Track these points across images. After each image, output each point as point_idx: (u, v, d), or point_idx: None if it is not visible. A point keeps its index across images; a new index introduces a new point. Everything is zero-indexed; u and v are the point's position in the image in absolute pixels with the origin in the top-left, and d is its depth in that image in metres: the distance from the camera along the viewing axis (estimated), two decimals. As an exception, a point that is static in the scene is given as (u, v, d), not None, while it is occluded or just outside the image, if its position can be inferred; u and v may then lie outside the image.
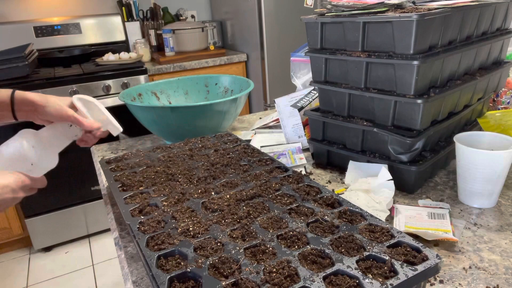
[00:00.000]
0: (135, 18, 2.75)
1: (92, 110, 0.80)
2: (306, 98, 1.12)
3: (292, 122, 1.12)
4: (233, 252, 0.55)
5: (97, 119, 0.80)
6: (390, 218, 0.74)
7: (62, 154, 0.78)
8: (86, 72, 2.23)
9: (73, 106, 0.78)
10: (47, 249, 2.41)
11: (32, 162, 0.74)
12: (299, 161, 1.01)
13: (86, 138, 0.80)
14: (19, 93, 0.76)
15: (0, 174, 0.68)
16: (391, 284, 0.48)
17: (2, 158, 0.72)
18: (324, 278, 0.49)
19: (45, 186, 0.75)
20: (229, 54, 2.66)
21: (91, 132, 0.79)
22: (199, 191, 0.74)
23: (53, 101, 0.76)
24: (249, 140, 1.18)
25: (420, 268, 0.50)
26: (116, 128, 0.82)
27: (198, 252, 0.56)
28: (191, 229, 0.61)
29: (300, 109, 1.09)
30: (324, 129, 0.97)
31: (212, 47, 2.72)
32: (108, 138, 1.36)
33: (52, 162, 0.77)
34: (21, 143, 0.73)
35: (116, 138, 1.30)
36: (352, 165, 0.90)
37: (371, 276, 0.49)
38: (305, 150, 1.09)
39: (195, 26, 2.66)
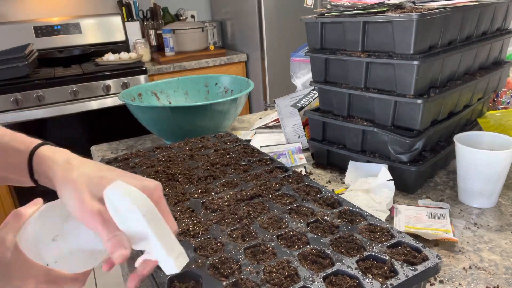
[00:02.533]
0: (135, 18, 2.75)
1: (128, 217, 0.43)
2: (306, 98, 1.12)
3: (292, 122, 1.12)
4: (233, 252, 0.55)
5: (132, 232, 0.44)
6: (390, 218, 0.74)
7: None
8: (86, 72, 2.23)
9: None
10: (47, 249, 2.41)
11: (48, 262, 0.46)
12: (299, 161, 1.01)
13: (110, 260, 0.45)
14: (42, 154, 0.48)
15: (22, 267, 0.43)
16: (391, 284, 0.48)
17: (23, 236, 0.45)
18: (324, 278, 0.49)
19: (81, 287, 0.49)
20: (229, 54, 2.66)
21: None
22: (199, 191, 0.74)
23: (73, 179, 0.44)
24: (249, 140, 1.18)
25: (420, 268, 0.50)
26: (171, 265, 0.43)
27: (198, 252, 0.56)
28: (191, 229, 0.61)
29: (300, 109, 1.09)
30: (324, 129, 0.97)
31: (212, 47, 2.72)
32: (108, 138, 1.36)
33: (87, 265, 0.48)
34: (35, 227, 0.46)
35: (116, 138, 1.30)
36: (352, 165, 0.90)
37: (371, 276, 0.49)
38: (305, 150, 1.09)
39: (195, 26, 2.66)
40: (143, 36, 2.82)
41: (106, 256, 0.47)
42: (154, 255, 0.43)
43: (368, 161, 0.88)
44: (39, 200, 0.49)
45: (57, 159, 0.46)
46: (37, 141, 0.49)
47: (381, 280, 0.49)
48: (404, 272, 0.49)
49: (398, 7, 0.83)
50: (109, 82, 2.24)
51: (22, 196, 2.22)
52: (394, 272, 0.50)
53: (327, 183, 0.91)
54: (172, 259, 0.42)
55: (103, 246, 0.42)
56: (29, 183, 0.50)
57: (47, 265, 0.45)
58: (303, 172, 0.95)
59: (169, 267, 0.43)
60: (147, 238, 0.42)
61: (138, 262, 0.45)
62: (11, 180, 0.51)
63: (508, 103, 1.11)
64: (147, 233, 0.42)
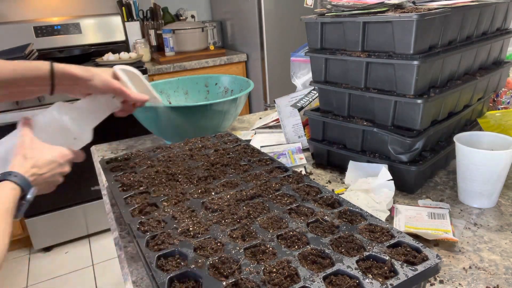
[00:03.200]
0: (135, 18, 2.75)
1: (133, 80, 0.79)
2: (306, 98, 1.12)
3: (292, 122, 1.12)
4: (233, 252, 0.55)
5: (139, 90, 0.80)
6: (390, 218, 0.74)
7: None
8: (86, 72, 2.22)
9: (115, 77, 0.77)
10: (47, 249, 2.41)
11: (75, 136, 0.72)
12: (299, 161, 1.01)
13: (125, 108, 0.80)
14: (58, 67, 0.72)
15: (44, 149, 0.67)
16: (391, 284, 0.48)
17: (42, 131, 0.70)
18: (324, 278, 0.49)
19: (84, 159, 0.75)
20: (229, 54, 2.66)
21: (129, 103, 0.79)
22: (199, 191, 0.74)
23: (98, 73, 0.74)
24: (249, 140, 1.18)
25: (420, 268, 0.50)
26: (157, 99, 0.83)
27: (198, 252, 0.56)
28: (191, 229, 0.61)
29: (300, 109, 1.09)
30: (324, 129, 0.97)
31: (212, 47, 2.72)
32: (108, 138, 1.36)
33: (91, 135, 0.76)
34: (60, 116, 0.71)
35: (116, 138, 1.30)
36: (352, 165, 0.90)
37: (371, 276, 0.49)
38: (305, 150, 1.09)
39: (195, 26, 2.66)
40: (143, 36, 2.82)
41: (115, 109, 0.80)
42: (152, 99, 0.84)
43: (368, 161, 0.88)
44: (28, 115, 0.72)
45: (75, 69, 0.72)
46: (46, 61, 0.72)
47: (381, 280, 0.49)
48: (404, 272, 0.49)
49: (398, 7, 0.83)
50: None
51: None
52: (394, 272, 0.50)
53: (327, 183, 0.91)
54: (160, 98, 0.87)
55: (131, 97, 0.77)
56: (46, 92, 0.72)
57: (75, 138, 0.73)
58: (303, 172, 0.95)
59: (158, 102, 0.87)
60: (147, 91, 0.83)
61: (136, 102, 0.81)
62: (31, 92, 0.73)
63: (508, 103, 1.11)
64: (146, 86, 0.83)
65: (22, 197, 0.61)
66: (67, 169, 0.70)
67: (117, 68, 0.77)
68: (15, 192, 0.59)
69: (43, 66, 0.71)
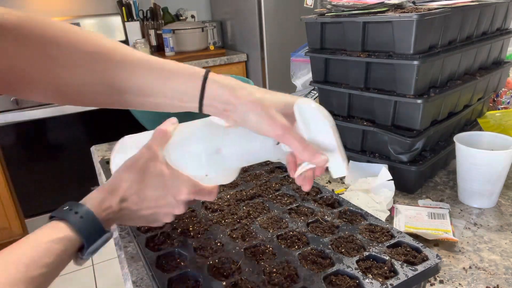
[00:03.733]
0: (135, 18, 2.75)
1: (318, 132, 0.48)
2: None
3: (292, 122, 1.12)
4: (233, 252, 0.55)
5: (320, 143, 0.48)
6: (390, 218, 0.74)
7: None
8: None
9: (288, 114, 0.48)
10: (47, 249, 2.41)
11: (208, 173, 0.52)
12: (299, 161, 1.01)
13: (302, 179, 0.51)
14: (214, 80, 0.49)
15: (158, 178, 0.49)
16: (391, 284, 0.48)
17: (177, 148, 0.52)
18: (324, 278, 0.49)
19: (213, 199, 0.55)
20: (229, 54, 2.66)
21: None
22: (199, 191, 0.74)
23: (260, 99, 0.47)
24: (249, 140, 1.17)
25: (420, 268, 0.50)
26: (342, 169, 0.49)
27: (198, 252, 0.56)
28: (191, 229, 0.61)
29: (300, 109, 1.09)
30: (324, 129, 0.97)
31: (212, 47, 2.72)
32: (108, 138, 1.35)
33: (230, 177, 0.56)
34: (203, 141, 0.52)
35: (116, 138, 1.30)
36: (352, 165, 0.90)
37: (371, 276, 0.49)
38: (305, 150, 1.08)
39: (195, 26, 2.66)
40: (143, 36, 2.82)
41: (274, 160, 0.54)
42: (332, 164, 0.49)
43: (368, 161, 0.88)
44: (174, 119, 0.54)
45: (232, 84, 0.49)
46: (201, 69, 0.51)
47: (381, 280, 0.49)
48: (404, 272, 0.49)
49: (398, 7, 0.83)
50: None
51: (22, 196, 2.22)
52: (394, 272, 0.50)
53: (327, 183, 0.91)
54: (344, 164, 0.49)
55: (299, 155, 0.47)
56: (192, 109, 0.51)
57: (206, 175, 0.52)
58: (303, 172, 0.95)
59: (339, 171, 0.49)
60: (330, 148, 0.48)
61: (302, 169, 0.50)
62: (173, 106, 0.52)
63: (508, 103, 1.11)
64: (332, 144, 0.48)
65: (81, 247, 0.44)
66: (179, 211, 0.51)
67: (299, 104, 0.48)
68: (65, 243, 0.42)
69: (195, 76, 0.50)
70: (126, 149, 0.55)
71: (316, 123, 0.47)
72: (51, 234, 0.43)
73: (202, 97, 0.49)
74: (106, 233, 0.45)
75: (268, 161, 0.86)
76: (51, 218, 0.45)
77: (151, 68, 0.50)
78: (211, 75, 0.50)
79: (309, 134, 0.48)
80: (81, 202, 0.46)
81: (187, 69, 0.50)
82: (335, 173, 0.50)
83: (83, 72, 0.48)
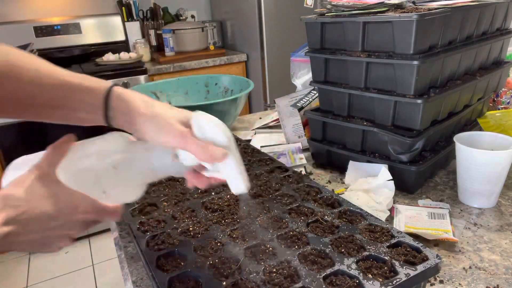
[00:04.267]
0: (135, 18, 2.75)
1: (213, 139, 0.50)
2: (306, 98, 1.12)
3: (292, 122, 1.12)
4: (233, 252, 0.55)
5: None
6: (390, 218, 0.74)
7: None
8: (86, 72, 2.23)
9: (187, 126, 0.50)
10: (47, 249, 2.41)
11: (104, 188, 0.50)
12: (299, 161, 1.01)
13: (195, 178, 0.53)
14: (117, 93, 0.51)
15: (49, 196, 0.44)
16: (391, 284, 0.48)
17: (73, 164, 0.49)
18: (324, 278, 0.49)
19: (117, 220, 0.53)
20: (229, 54, 2.66)
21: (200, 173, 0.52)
22: (199, 191, 0.74)
23: (159, 111, 0.50)
24: (249, 140, 1.18)
25: (420, 268, 0.50)
26: (240, 185, 0.50)
27: (198, 252, 0.56)
28: (191, 229, 0.61)
29: (300, 109, 1.09)
30: (324, 129, 0.97)
31: (212, 47, 2.72)
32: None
33: (133, 195, 0.54)
34: (99, 157, 0.50)
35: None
36: (352, 165, 0.90)
37: (371, 276, 0.49)
38: (305, 150, 1.09)
39: (195, 26, 2.66)
40: (143, 36, 2.82)
41: (175, 174, 0.54)
42: (227, 174, 0.49)
43: (368, 161, 0.88)
44: (71, 136, 0.52)
45: (133, 97, 0.51)
46: (107, 82, 0.52)
47: (381, 280, 0.49)
48: (404, 272, 0.49)
49: (398, 7, 0.83)
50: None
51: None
52: (394, 272, 0.50)
53: (327, 183, 0.91)
54: (242, 180, 0.50)
55: (196, 156, 0.48)
56: (100, 122, 0.52)
57: (104, 193, 0.49)
58: (303, 172, 0.95)
59: (238, 186, 0.50)
60: (231, 170, 0.49)
61: (206, 174, 0.51)
62: (82, 119, 0.53)
63: (508, 103, 1.11)
64: (229, 153, 0.49)
65: None
66: (76, 232, 0.48)
67: (198, 116, 0.51)
68: None
69: (99, 89, 0.51)
70: (18, 167, 0.49)
71: (213, 135, 0.49)
72: None
73: (106, 108, 0.50)
74: None
75: (268, 161, 0.86)
76: None
77: (60, 81, 0.50)
78: (116, 88, 0.52)
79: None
80: None
81: (93, 82, 0.51)
82: (233, 189, 0.50)
83: None
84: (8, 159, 2.12)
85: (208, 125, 0.50)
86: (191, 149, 0.48)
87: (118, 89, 0.52)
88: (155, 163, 0.52)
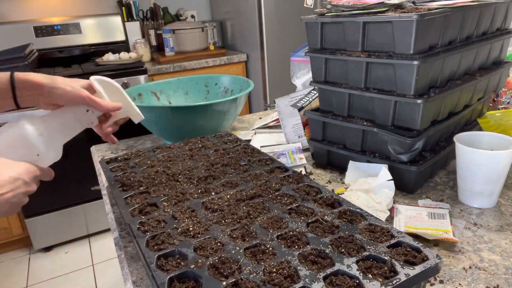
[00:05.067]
0: (135, 18, 2.75)
1: (112, 95, 0.72)
2: (306, 98, 1.12)
3: (292, 122, 1.12)
4: (233, 252, 0.55)
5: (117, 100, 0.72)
6: (390, 218, 0.74)
7: (62, 154, 0.71)
8: (86, 72, 2.23)
9: (88, 88, 0.70)
10: (47, 249, 2.41)
11: (39, 152, 0.64)
12: (299, 161, 1.01)
13: (106, 127, 0.72)
14: (19, 76, 0.66)
15: (6, 164, 0.58)
16: (391, 284, 0.48)
17: (1, 145, 0.63)
18: (324, 278, 0.49)
19: (52, 178, 0.67)
20: (229, 54, 2.66)
21: (108, 117, 0.71)
22: (199, 191, 0.74)
23: (62, 81, 0.66)
24: (249, 140, 1.18)
25: (420, 268, 0.50)
26: (138, 114, 0.75)
27: (198, 252, 0.56)
28: (191, 229, 0.61)
29: (300, 109, 1.09)
30: (324, 129, 0.97)
31: (212, 47, 2.72)
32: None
33: (59, 153, 0.68)
34: (25, 128, 0.63)
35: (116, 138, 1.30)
36: (352, 165, 0.90)
37: (371, 276, 0.49)
38: (305, 150, 1.09)
39: (195, 26, 2.66)
40: (143, 36, 2.82)
41: (89, 125, 0.72)
42: (128, 113, 0.75)
43: (368, 161, 0.88)
44: None
45: (36, 76, 0.66)
46: (7, 72, 0.67)
47: (381, 280, 0.49)
48: (404, 272, 0.49)
49: (398, 7, 0.83)
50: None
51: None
52: (394, 272, 0.50)
53: (327, 183, 0.91)
54: (139, 112, 0.76)
55: (100, 108, 0.69)
56: (11, 105, 0.68)
57: (38, 155, 0.64)
58: (303, 172, 0.95)
59: (138, 117, 0.77)
60: (128, 105, 0.74)
61: (114, 119, 0.75)
62: None
63: (508, 103, 1.11)
64: (127, 99, 0.74)
65: None
66: (33, 188, 0.62)
67: (93, 79, 0.70)
68: None
69: (3, 76, 0.66)
70: None
71: (110, 87, 0.71)
72: None
73: (13, 88, 0.66)
74: None
75: (268, 161, 0.86)
76: None
77: None
78: (17, 73, 0.66)
79: (107, 96, 0.70)
80: None
81: None
82: (136, 119, 0.76)
83: None
84: None
85: (106, 85, 0.71)
86: (95, 104, 0.67)
87: (20, 74, 0.66)
88: (71, 122, 0.68)
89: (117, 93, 0.72)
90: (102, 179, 1.00)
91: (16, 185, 0.57)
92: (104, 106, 0.68)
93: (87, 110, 0.67)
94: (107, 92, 0.71)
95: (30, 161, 0.63)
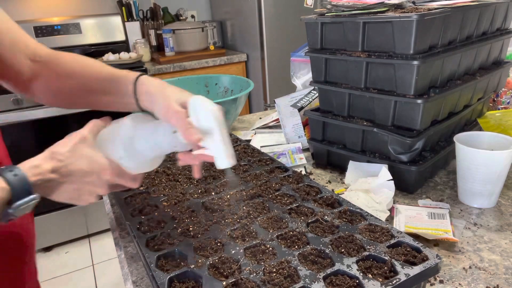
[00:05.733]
0: (135, 18, 2.75)
1: (203, 118, 0.57)
2: (306, 98, 1.12)
3: (292, 122, 1.12)
4: (233, 252, 0.55)
5: (206, 131, 0.57)
6: (390, 218, 0.74)
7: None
8: (86, 72, 2.22)
9: (185, 107, 0.59)
10: (47, 249, 2.41)
11: (120, 156, 0.59)
12: (299, 161, 1.01)
13: (186, 157, 0.60)
14: (142, 78, 0.64)
15: (86, 156, 0.55)
16: (391, 284, 0.48)
17: (105, 136, 0.60)
18: (324, 278, 0.49)
19: (136, 187, 0.61)
20: (229, 54, 2.66)
21: (191, 151, 0.59)
22: (199, 191, 0.74)
23: (169, 93, 0.60)
24: (249, 140, 1.18)
25: (420, 268, 0.50)
26: (224, 161, 0.56)
27: (198, 252, 0.56)
28: (191, 229, 0.61)
29: (300, 109, 1.09)
30: (324, 129, 0.97)
31: (212, 47, 2.72)
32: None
33: (139, 165, 0.61)
34: (124, 123, 0.60)
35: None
36: (352, 165, 0.90)
37: (371, 276, 0.49)
38: (305, 150, 1.09)
39: (195, 26, 2.66)
40: (143, 36, 2.82)
41: (173, 149, 0.61)
42: (214, 151, 0.56)
43: (368, 161, 0.88)
44: (108, 118, 0.63)
45: (152, 81, 0.64)
46: (136, 72, 0.66)
47: (381, 280, 0.49)
48: (404, 272, 0.49)
49: (398, 7, 0.83)
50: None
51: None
52: (394, 272, 0.50)
53: (327, 183, 0.91)
54: (225, 156, 0.56)
55: (183, 134, 0.55)
56: (134, 106, 0.65)
57: (120, 158, 0.59)
58: (303, 172, 0.95)
59: (221, 162, 0.56)
60: (213, 136, 0.56)
61: (194, 153, 0.59)
62: (116, 103, 0.68)
63: (508, 103, 1.11)
64: (215, 132, 0.56)
65: (11, 202, 0.49)
66: (102, 191, 0.57)
67: (195, 98, 0.59)
68: (1, 192, 0.47)
69: (131, 75, 0.65)
70: None
71: (204, 114, 0.57)
72: None
73: (135, 93, 0.64)
74: (32, 195, 0.51)
75: (268, 161, 0.86)
76: None
77: (108, 74, 0.67)
78: (143, 76, 0.65)
79: (197, 123, 0.57)
80: (19, 164, 0.51)
81: (127, 72, 0.66)
82: (219, 164, 0.57)
83: (81, 87, 0.69)
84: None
85: (199, 107, 0.57)
86: (178, 126, 0.56)
87: (143, 76, 0.64)
88: (158, 137, 0.59)
89: (208, 121, 0.57)
90: (102, 179, 1.00)
91: (83, 180, 0.55)
92: (186, 134, 0.55)
93: (174, 132, 0.58)
94: (199, 117, 0.57)
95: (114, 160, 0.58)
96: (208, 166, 0.84)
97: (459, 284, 0.58)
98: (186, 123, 0.55)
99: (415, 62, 0.74)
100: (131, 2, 2.72)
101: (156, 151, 0.61)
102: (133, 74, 0.65)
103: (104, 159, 0.57)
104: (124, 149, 0.59)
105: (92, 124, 0.60)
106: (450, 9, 0.77)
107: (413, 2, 0.86)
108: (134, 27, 2.74)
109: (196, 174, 0.61)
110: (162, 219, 0.65)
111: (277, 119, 1.29)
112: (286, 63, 1.37)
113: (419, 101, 0.76)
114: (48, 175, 0.52)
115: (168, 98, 0.58)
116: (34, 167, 0.51)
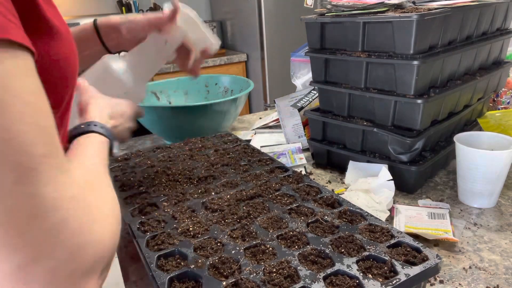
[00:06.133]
0: (135, 18, 2.75)
1: (188, 24, 0.70)
2: (306, 98, 1.12)
3: (292, 122, 1.12)
4: (233, 252, 0.55)
5: (194, 35, 0.71)
6: (390, 218, 0.74)
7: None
8: (86, 72, 2.22)
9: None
10: (47, 249, 2.41)
11: (126, 89, 0.65)
12: (299, 161, 1.01)
13: (184, 57, 0.72)
14: (102, 21, 0.70)
15: (112, 99, 0.61)
16: (391, 284, 0.48)
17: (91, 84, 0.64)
18: (324, 278, 0.49)
19: (143, 116, 0.72)
20: (229, 54, 2.66)
21: (189, 53, 0.71)
22: (199, 191, 0.74)
23: (135, 15, 0.70)
24: (249, 140, 1.18)
25: (420, 268, 0.50)
26: (214, 44, 0.74)
27: (198, 252, 0.56)
28: (191, 229, 0.61)
29: (300, 109, 1.09)
30: (324, 129, 0.97)
31: (212, 47, 2.72)
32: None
33: (143, 91, 0.69)
34: (109, 66, 0.65)
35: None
36: (352, 165, 0.90)
37: (371, 276, 0.49)
38: (305, 150, 1.09)
39: (195, 26, 2.66)
40: (143, 36, 2.82)
41: (168, 58, 0.71)
42: (209, 44, 0.76)
43: (368, 161, 0.88)
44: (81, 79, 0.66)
45: (113, 17, 0.70)
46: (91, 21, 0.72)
47: (381, 280, 0.49)
48: (404, 272, 0.49)
49: (398, 7, 0.83)
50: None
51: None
52: (394, 272, 0.50)
53: (327, 183, 0.91)
54: (218, 41, 0.77)
55: (165, 20, 0.69)
56: (104, 51, 0.71)
57: (125, 93, 0.65)
58: (303, 172, 0.95)
59: (216, 45, 0.76)
60: (204, 36, 0.74)
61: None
62: (92, 55, 0.71)
63: (508, 103, 1.11)
64: (202, 31, 0.73)
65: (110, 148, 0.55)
66: (134, 124, 0.66)
67: (167, 5, 0.70)
68: (104, 147, 0.52)
69: (88, 24, 0.70)
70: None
71: (186, 19, 0.69)
72: (94, 140, 0.51)
73: (99, 36, 0.70)
74: (115, 140, 0.56)
75: (268, 161, 0.86)
76: (77, 134, 0.52)
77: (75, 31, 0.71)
78: (99, 19, 0.71)
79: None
80: (91, 120, 0.54)
81: (82, 26, 0.72)
82: (212, 49, 0.74)
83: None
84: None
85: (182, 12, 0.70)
86: (161, 23, 0.69)
87: (102, 18, 0.70)
88: (152, 50, 0.67)
89: (193, 24, 0.72)
90: (102, 179, 1.00)
91: (123, 119, 0.61)
92: (166, 19, 0.69)
93: (166, 42, 0.67)
94: (184, 21, 0.70)
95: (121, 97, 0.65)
96: (209, 166, 0.84)
97: (459, 284, 0.58)
98: (161, 17, 0.68)
99: (415, 62, 0.74)
100: (131, 2, 2.72)
101: (154, 71, 0.69)
102: (89, 22, 0.71)
103: (120, 100, 0.63)
104: (126, 87, 0.65)
105: (79, 86, 0.63)
106: (450, 9, 0.77)
107: (413, 2, 0.86)
108: (134, 27, 2.75)
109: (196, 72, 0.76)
110: (162, 219, 0.65)
111: (277, 119, 1.29)
112: (286, 63, 1.38)
113: (419, 101, 0.76)
114: (111, 122, 0.59)
115: (135, 15, 0.69)
116: (100, 117, 0.56)
